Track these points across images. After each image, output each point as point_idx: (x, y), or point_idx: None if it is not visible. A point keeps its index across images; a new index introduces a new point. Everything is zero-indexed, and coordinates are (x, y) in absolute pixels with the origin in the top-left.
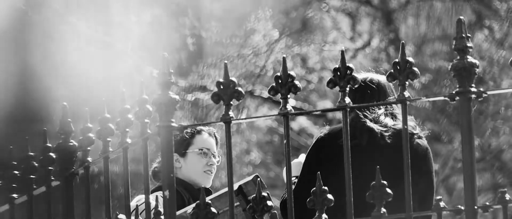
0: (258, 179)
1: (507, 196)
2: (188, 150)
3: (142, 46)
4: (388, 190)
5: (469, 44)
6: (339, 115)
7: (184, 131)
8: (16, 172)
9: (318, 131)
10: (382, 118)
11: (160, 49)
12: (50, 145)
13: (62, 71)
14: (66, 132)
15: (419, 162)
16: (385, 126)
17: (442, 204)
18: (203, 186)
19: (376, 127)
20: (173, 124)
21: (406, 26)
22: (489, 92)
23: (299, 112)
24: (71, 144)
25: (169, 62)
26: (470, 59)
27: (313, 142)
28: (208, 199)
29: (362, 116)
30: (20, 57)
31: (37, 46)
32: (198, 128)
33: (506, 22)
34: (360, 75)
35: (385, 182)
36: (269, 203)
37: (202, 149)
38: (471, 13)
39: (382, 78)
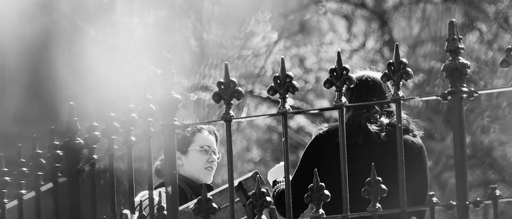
0: (258, 175)
1: (497, 192)
2: (190, 147)
3: (146, 47)
4: (383, 186)
5: (460, 46)
6: (335, 113)
7: (186, 129)
8: (24, 169)
9: (317, 128)
10: (377, 116)
11: (163, 50)
12: (57, 143)
13: (68, 72)
14: (73, 131)
15: (414, 160)
16: (380, 124)
17: (434, 199)
18: (204, 182)
19: (371, 126)
20: (175, 123)
21: (399, 28)
22: (480, 92)
23: (297, 111)
24: (78, 142)
25: (172, 63)
26: (461, 60)
27: (312, 138)
28: (209, 195)
29: (358, 115)
30: (26, 59)
31: (44, 48)
32: (199, 126)
33: (495, 24)
34: (356, 73)
35: (379, 179)
36: (268, 198)
37: (202, 147)
38: (462, 16)
39: (378, 75)
